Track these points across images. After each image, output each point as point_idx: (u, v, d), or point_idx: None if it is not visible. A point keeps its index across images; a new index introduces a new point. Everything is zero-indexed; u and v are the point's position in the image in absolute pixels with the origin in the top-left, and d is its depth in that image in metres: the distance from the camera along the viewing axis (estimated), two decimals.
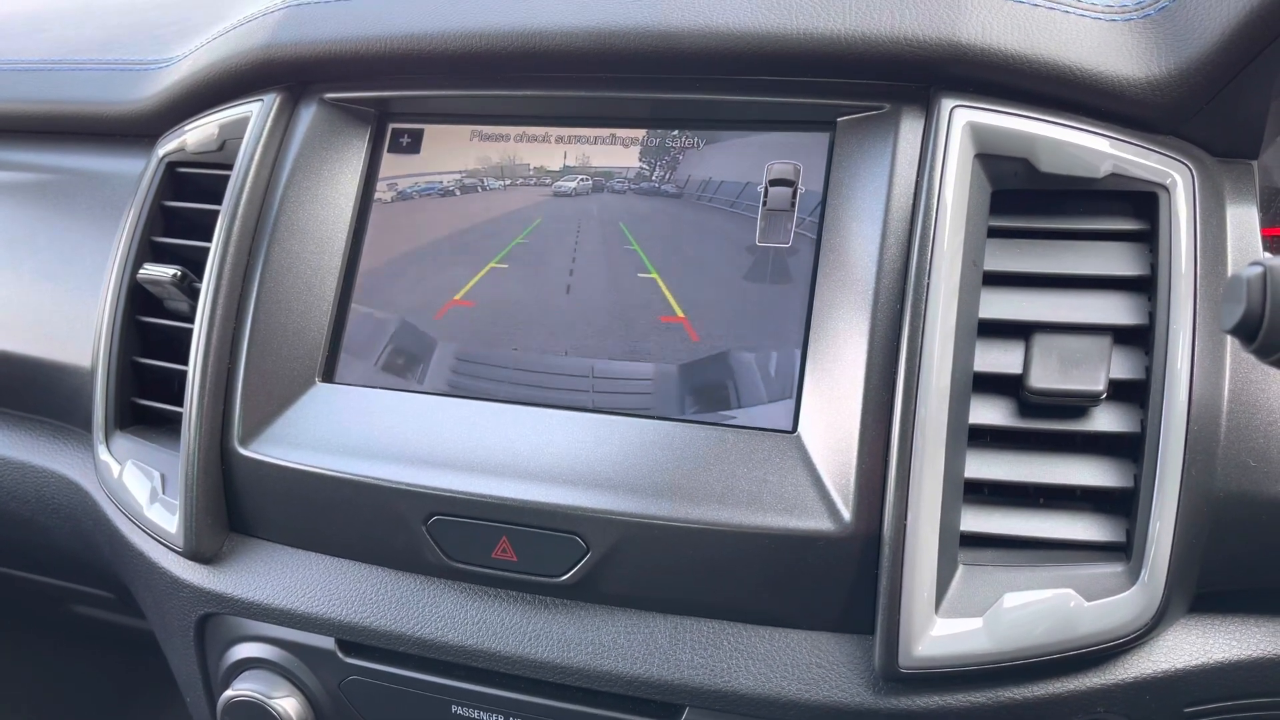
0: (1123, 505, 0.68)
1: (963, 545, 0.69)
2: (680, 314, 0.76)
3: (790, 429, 0.72)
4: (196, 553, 0.83)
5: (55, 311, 0.99)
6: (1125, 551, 0.67)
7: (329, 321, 0.84)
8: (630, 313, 0.77)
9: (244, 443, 0.81)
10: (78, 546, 1.03)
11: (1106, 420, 0.69)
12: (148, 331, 0.93)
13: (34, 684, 1.82)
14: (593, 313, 0.78)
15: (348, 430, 0.80)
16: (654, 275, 0.77)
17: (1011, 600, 0.66)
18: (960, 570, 0.68)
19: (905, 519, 0.66)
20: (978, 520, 0.69)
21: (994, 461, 0.69)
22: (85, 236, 1.00)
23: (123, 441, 0.91)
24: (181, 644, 0.87)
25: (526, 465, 0.74)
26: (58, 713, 1.91)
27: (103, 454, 0.91)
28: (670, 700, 0.71)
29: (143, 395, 0.92)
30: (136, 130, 1.01)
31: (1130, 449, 0.68)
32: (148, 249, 0.93)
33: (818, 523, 0.68)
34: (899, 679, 0.67)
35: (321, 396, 0.82)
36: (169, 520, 0.84)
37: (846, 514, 0.68)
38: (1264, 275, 0.50)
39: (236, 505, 0.83)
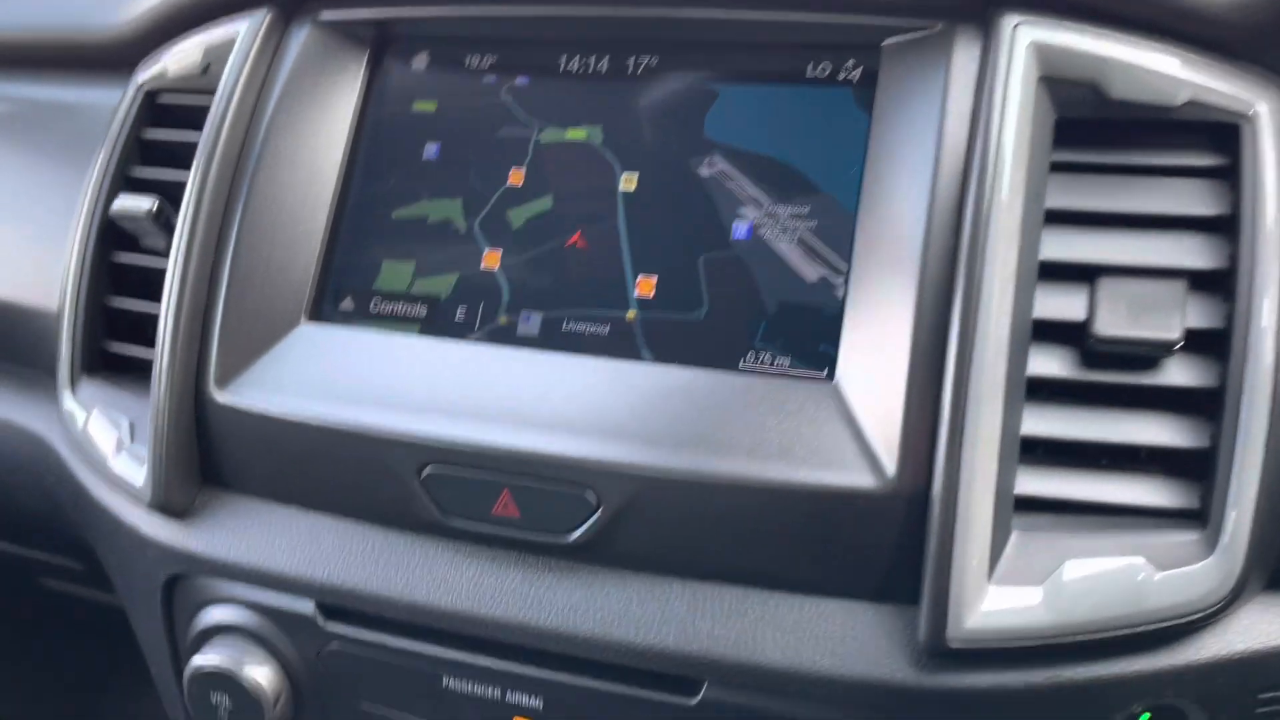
0: (1197, 468, 0.61)
1: (1016, 510, 0.62)
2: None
3: (828, 377, 0.65)
4: (165, 506, 0.75)
5: (21, 251, 0.91)
6: (1200, 519, 0.61)
7: (318, 256, 0.77)
8: None
9: (220, 386, 0.74)
10: (41, 507, 0.95)
11: (1181, 373, 0.62)
12: (121, 273, 0.85)
13: (6, 665, 1.75)
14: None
15: (335, 373, 0.73)
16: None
17: (1073, 569, 0.59)
18: (1015, 536, 0.61)
19: (957, 476, 0.59)
20: (1034, 482, 0.62)
21: (1054, 417, 0.62)
22: (56, 173, 0.93)
23: (90, 388, 0.83)
24: (147, 609, 0.79)
25: (532, 412, 0.67)
26: (32, 693, 1.84)
27: (68, 401, 0.83)
28: (687, 674, 0.64)
29: (114, 340, 0.85)
30: (114, 58, 0.94)
31: (1207, 406, 0.62)
32: (122, 183, 0.85)
33: (857, 478, 0.61)
34: (946, 654, 0.60)
35: (307, 337, 0.75)
36: (136, 471, 0.76)
37: (890, 469, 0.61)
38: None
39: (210, 455, 0.76)
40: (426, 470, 0.68)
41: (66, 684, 1.91)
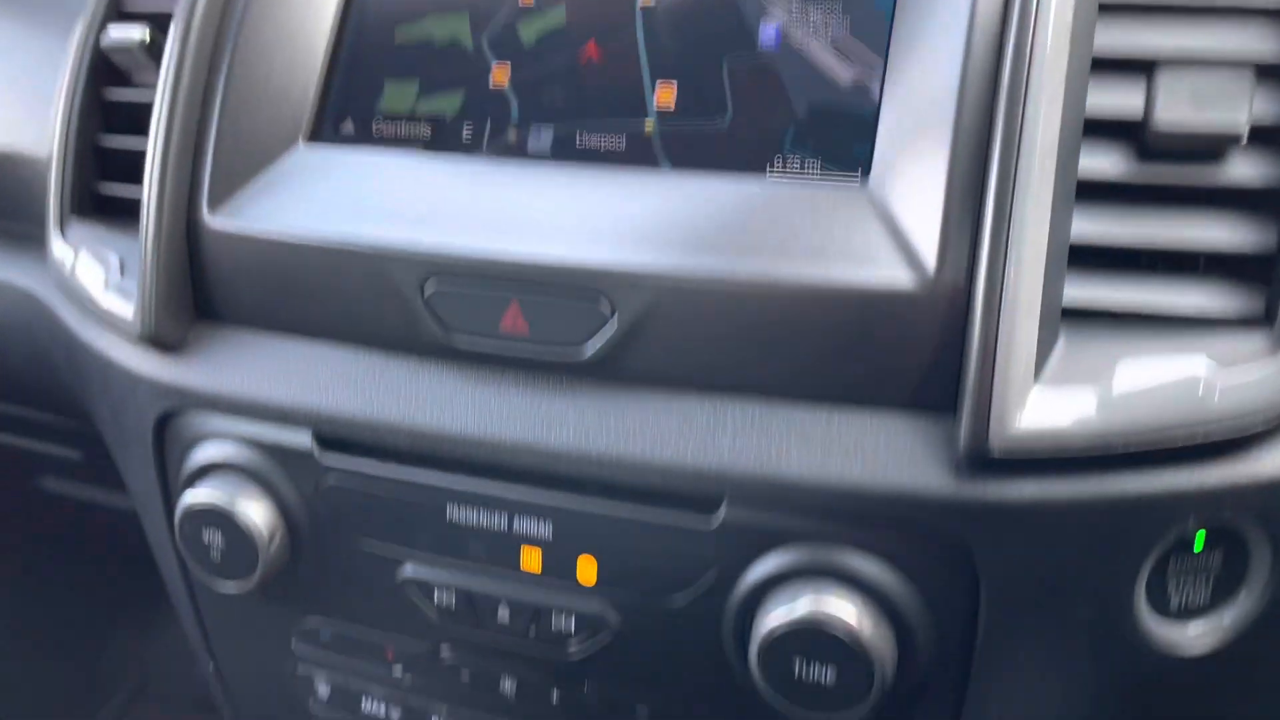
0: (1262, 272, 0.57)
1: (1065, 319, 0.57)
2: None
3: (863, 177, 0.60)
4: (156, 338, 0.71)
5: (8, 92, 0.87)
6: (1267, 324, 0.56)
7: (318, 78, 0.72)
8: None
9: (213, 210, 0.70)
10: (35, 369, 0.91)
11: (1245, 169, 0.57)
12: (114, 111, 0.81)
13: (16, 593, 1.74)
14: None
15: (334, 193, 0.68)
16: None
17: (1128, 370, 0.55)
18: (1063, 341, 0.56)
19: (1001, 274, 0.54)
20: (1084, 289, 0.57)
21: (1107, 219, 0.57)
22: (46, 9, 0.88)
23: (80, 230, 0.79)
24: (139, 453, 0.75)
25: (542, 222, 0.63)
26: (40, 621, 1.83)
27: (57, 245, 0.79)
28: (706, 492, 0.60)
29: (106, 180, 0.81)
30: None
31: (1273, 205, 0.57)
32: (115, 15, 0.81)
33: (894, 276, 0.56)
34: (987, 463, 0.55)
35: (305, 158, 0.71)
36: (125, 305, 0.72)
37: (929, 265, 0.56)
38: None
39: (204, 287, 0.72)
40: (429, 285, 0.63)
41: (76, 617, 1.90)
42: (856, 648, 0.56)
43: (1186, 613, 0.59)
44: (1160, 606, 0.59)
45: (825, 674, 0.57)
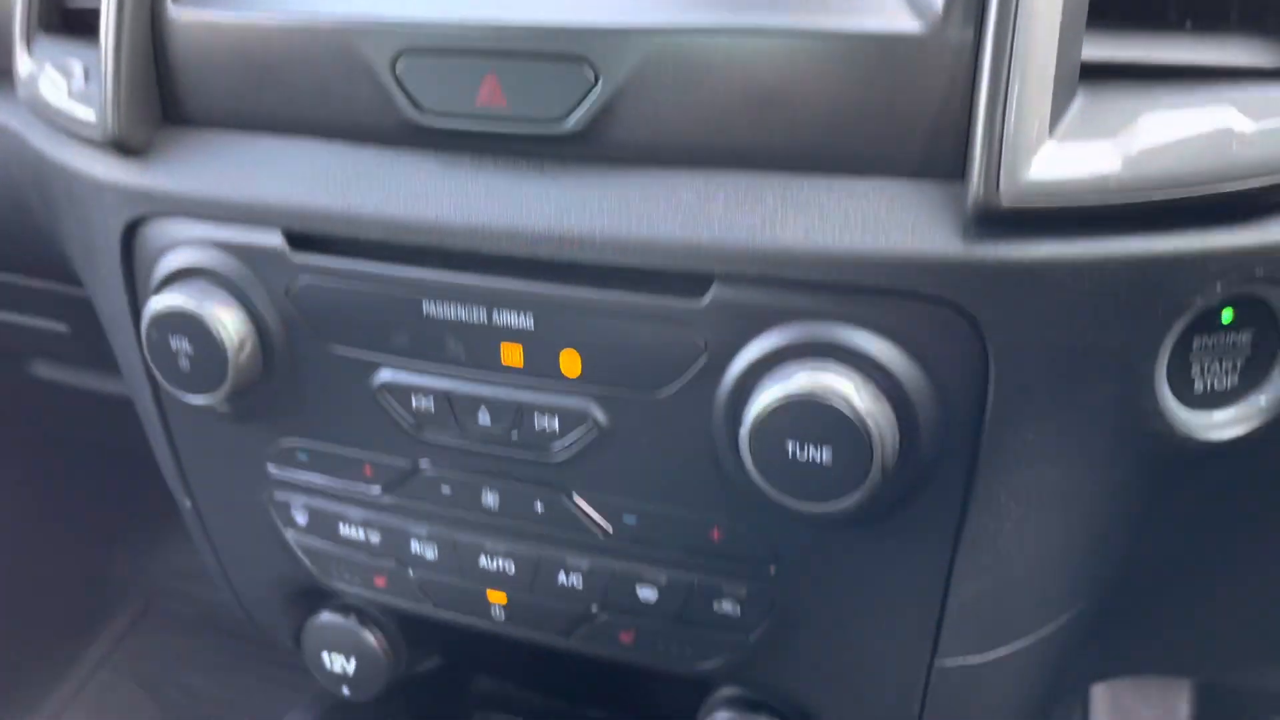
0: None
1: (1082, 79, 0.53)
2: None
3: None
4: (121, 140, 0.67)
5: None
6: None
7: None
8: None
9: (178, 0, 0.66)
10: (8, 212, 0.88)
11: None
12: None
13: (18, 509, 1.73)
14: None
15: None
16: None
17: (1151, 120, 0.50)
18: (1081, 99, 0.52)
19: (1014, 15, 0.50)
20: (1104, 46, 0.53)
21: None
22: None
23: (46, 45, 0.75)
24: (108, 267, 0.72)
25: None
26: (48, 538, 1.82)
27: (22, 61, 0.76)
28: (695, 269, 0.56)
29: None
30: None
31: None
32: None
33: (899, 22, 0.52)
34: (998, 218, 0.51)
35: None
36: (88, 110, 0.69)
37: (937, 7, 0.52)
38: None
39: (170, 85, 0.68)
40: (400, 60, 0.59)
41: (80, 538, 1.89)
42: (855, 422, 0.52)
43: (1212, 397, 0.55)
44: (1183, 392, 0.55)
45: (820, 454, 0.54)
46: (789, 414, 0.54)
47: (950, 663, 0.62)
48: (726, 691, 0.72)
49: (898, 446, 0.54)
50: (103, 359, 1.17)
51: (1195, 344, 0.54)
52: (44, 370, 1.34)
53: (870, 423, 0.53)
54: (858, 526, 0.58)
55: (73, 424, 1.59)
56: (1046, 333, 0.52)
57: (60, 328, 1.15)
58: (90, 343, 1.17)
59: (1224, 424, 0.55)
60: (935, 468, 0.56)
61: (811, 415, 0.53)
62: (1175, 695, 1.28)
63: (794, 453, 0.54)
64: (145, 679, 1.88)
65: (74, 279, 0.85)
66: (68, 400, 1.42)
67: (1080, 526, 0.58)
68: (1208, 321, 0.54)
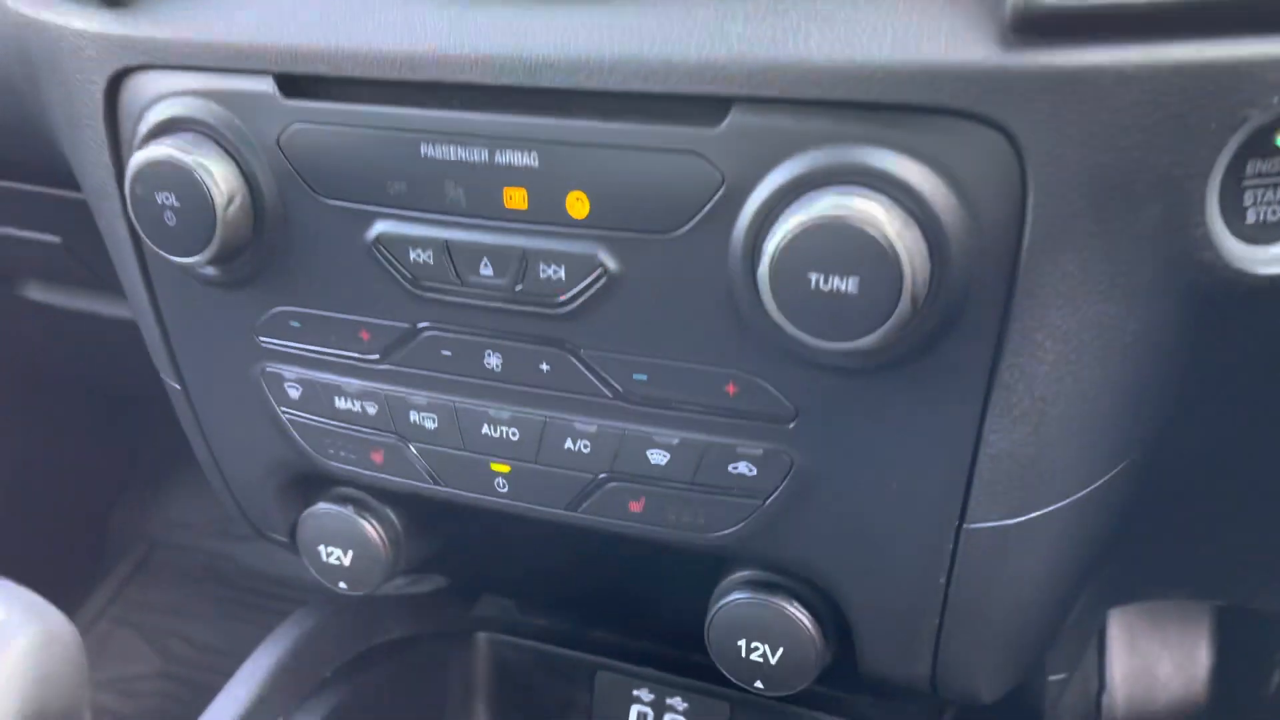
0: None
1: None
2: None
3: None
4: None
5: None
6: None
7: None
8: None
9: None
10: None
11: None
12: None
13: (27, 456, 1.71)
14: None
15: None
16: None
17: None
18: None
19: None
20: None
21: None
22: None
23: None
24: (91, 127, 0.68)
25: None
26: (49, 488, 1.80)
27: None
28: (710, 92, 0.52)
29: None
30: None
31: None
32: None
33: None
34: (1040, 21, 0.47)
35: None
36: None
37: None
38: None
39: None
40: None
41: (83, 487, 1.87)
42: (883, 245, 0.49)
43: (1265, 230, 0.52)
44: (1235, 223, 0.51)
45: (846, 284, 0.50)
46: (812, 242, 0.50)
47: (980, 526, 0.58)
48: (739, 575, 0.68)
49: (928, 276, 0.50)
50: (97, 276, 1.14)
51: (1249, 169, 0.50)
52: (36, 292, 1.31)
53: (900, 247, 0.49)
54: (882, 373, 0.55)
55: (70, 359, 1.56)
56: (1090, 151, 0.49)
57: (51, 239, 1.12)
58: (83, 255, 1.14)
59: (1278, 260, 0.52)
60: (967, 303, 0.52)
61: (837, 241, 0.50)
62: (1194, 639, 1.25)
63: (817, 284, 0.50)
64: (145, 629, 1.86)
65: (64, 180, 0.82)
66: (63, 329, 1.39)
67: (1121, 373, 0.55)
68: (1263, 145, 0.50)
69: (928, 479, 0.58)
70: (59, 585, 1.85)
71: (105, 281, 1.05)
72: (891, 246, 0.49)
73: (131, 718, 1.70)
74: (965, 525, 0.59)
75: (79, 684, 0.72)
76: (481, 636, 1.04)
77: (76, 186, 0.77)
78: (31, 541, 1.78)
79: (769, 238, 0.51)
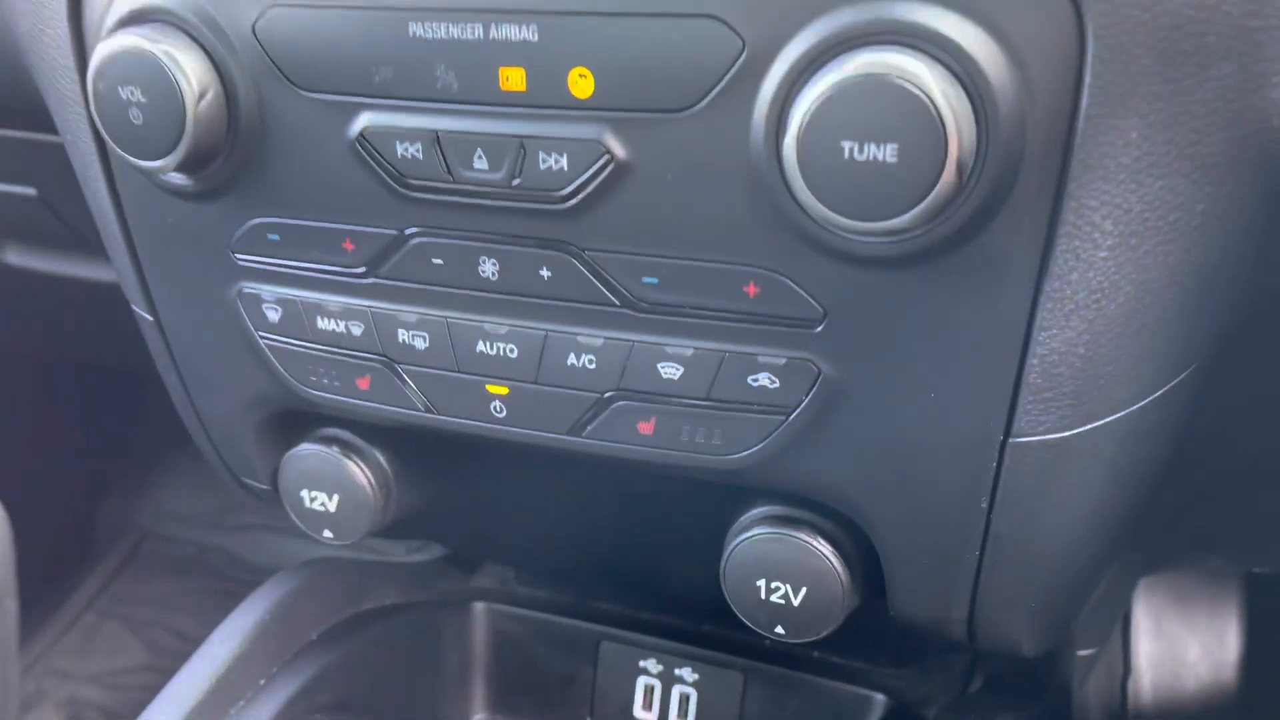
0: None
1: None
2: None
3: None
4: None
5: None
6: None
7: None
8: None
9: None
10: None
11: None
12: None
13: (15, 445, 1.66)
14: None
15: None
16: None
17: None
18: None
19: None
20: None
21: None
22: None
23: None
24: (54, 23, 0.63)
25: None
26: (37, 478, 1.76)
27: None
28: None
29: None
30: None
31: None
32: None
33: None
34: None
35: None
36: None
37: None
38: None
39: None
40: None
41: (70, 476, 1.83)
42: (925, 103, 0.43)
43: None
44: None
45: (883, 151, 0.45)
46: (846, 105, 0.45)
47: (1027, 440, 0.53)
48: (758, 510, 0.63)
49: (974, 143, 0.45)
50: (77, 233, 1.09)
51: None
52: (15, 256, 1.26)
53: (945, 108, 0.44)
54: (920, 264, 0.49)
55: (54, 334, 1.51)
56: (1159, 11, 0.43)
57: (28, 191, 1.07)
58: (62, 210, 1.09)
59: None
60: (1017, 177, 0.47)
61: (874, 103, 0.44)
62: (1223, 622, 1.19)
63: (851, 154, 0.45)
64: (133, 621, 1.81)
65: (39, 121, 0.76)
66: (44, 298, 1.34)
67: (1187, 260, 0.49)
68: None
69: (970, 387, 0.52)
70: (46, 575, 1.80)
71: (87, 240, 1.00)
72: (936, 107, 0.44)
73: (116, 712, 1.65)
74: (1011, 440, 0.53)
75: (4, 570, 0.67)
76: (479, 606, 0.98)
77: (52, 128, 0.72)
78: (19, 531, 1.73)
79: (796, 105, 0.46)
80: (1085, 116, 0.45)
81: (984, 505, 0.56)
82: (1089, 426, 0.53)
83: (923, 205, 0.45)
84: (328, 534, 0.72)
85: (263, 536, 1.88)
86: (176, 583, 1.89)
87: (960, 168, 0.45)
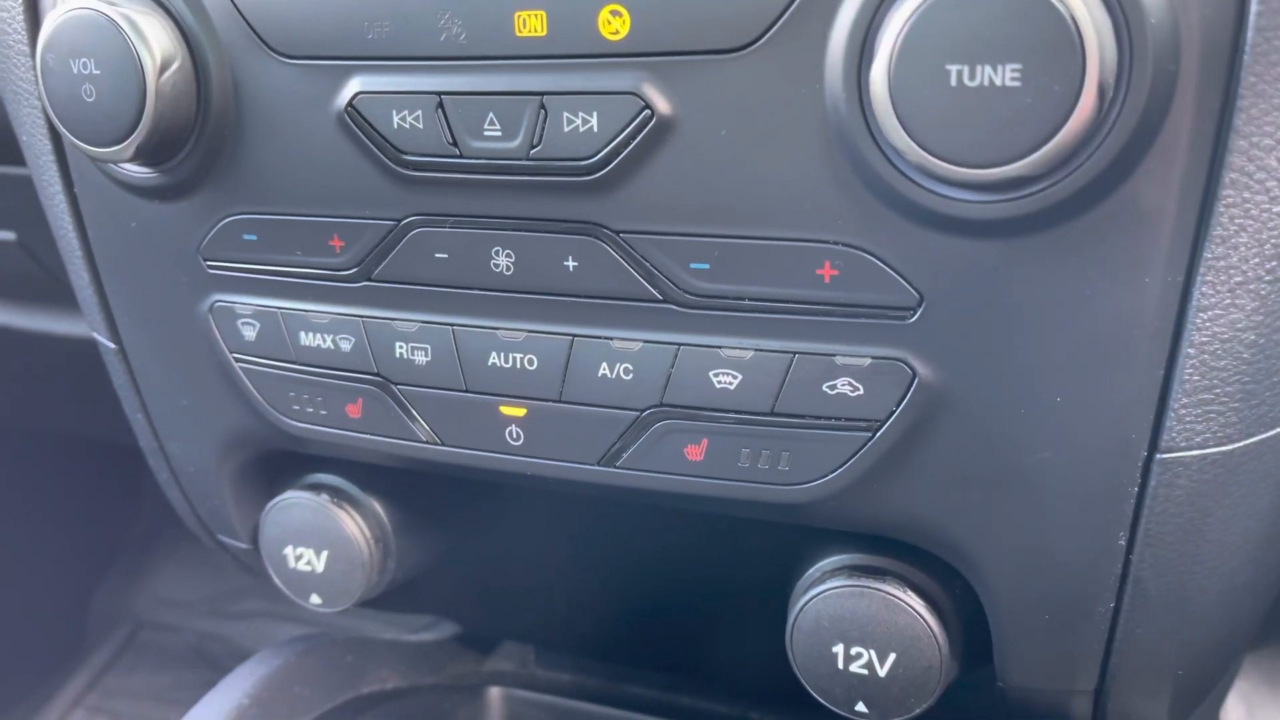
0: None
1: None
2: None
3: None
4: None
5: None
6: None
7: None
8: None
9: None
10: None
11: None
12: None
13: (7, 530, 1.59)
14: None
15: None
16: None
17: None
18: None
19: None
20: None
21: None
22: None
23: None
24: (9, 11, 0.55)
25: None
26: (28, 564, 1.68)
27: None
28: None
29: None
30: None
31: None
32: None
33: None
34: None
35: None
36: None
37: None
38: None
39: None
40: None
41: (66, 566, 1.75)
42: (1059, 14, 0.34)
43: None
44: None
45: (1003, 75, 0.35)
46: (952, 19, 0.35)
47: (1180, 456, 0.42)
48: (832, 560, 0.51)
49: (1116, 65, 0.35)
50: (58, 281, 1.01)
51: None
52: None
53: (1081, 13, 0.34)
54: (1044, 230, 0.39)
55: (40, 401, 1.42)
56: None
57: (6, 235, 1.00)
58: (40, 254, 1.01)
59: None
60: (1169, 105, 0.37)
61: (990, 14, 0.35)
62: None
63: (959, 80, 0.36)
64: (125, 719, 1.69)
65: (11, 154, 0.69)
66: (29, 361, 1.26)
67: None
68: None
69: (1105, 389, 0.41)
70: (31, 669, 1.69)
71: (68, 289, 0.92)
72: (1071, 16, 0.34)
73: None
74: (1158, 456, 0.42)
75: None
76: (494, 691, 0.86)
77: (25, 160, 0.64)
78: (6, 621, 1.64)
79: (886, 24, 0.37)
80: (1255, 27, 0.36)
81: (1122, 542, 0.44)
82: (1261, 437, 0.42)
83: (1052, 143, 0.35)
84: (315, 599, 0.61)
85: (267, 624, 1.78)
86: (172, 675, 1.79)
87: (1101, 92, 0.35)
